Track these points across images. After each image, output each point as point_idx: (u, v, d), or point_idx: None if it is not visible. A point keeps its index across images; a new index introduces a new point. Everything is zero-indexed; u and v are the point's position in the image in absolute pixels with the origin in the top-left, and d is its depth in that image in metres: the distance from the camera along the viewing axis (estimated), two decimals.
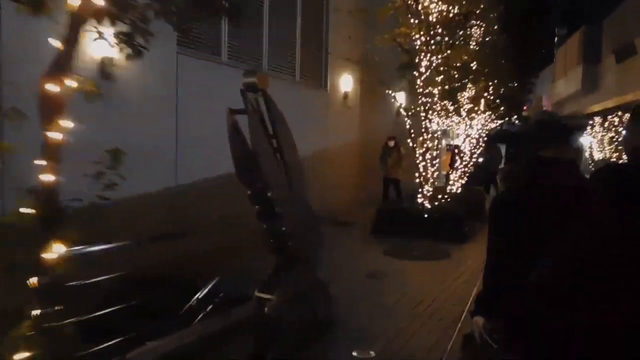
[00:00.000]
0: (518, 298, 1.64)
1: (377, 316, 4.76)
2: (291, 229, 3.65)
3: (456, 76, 9.59)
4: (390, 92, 9.10)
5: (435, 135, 10.93)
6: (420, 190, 9.10)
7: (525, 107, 23.66)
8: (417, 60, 9.07)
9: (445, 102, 10.90)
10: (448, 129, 17.67)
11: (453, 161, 11.28)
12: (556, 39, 20.97)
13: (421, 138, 9.25)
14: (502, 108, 11.48)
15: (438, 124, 11.02)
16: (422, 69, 9.08)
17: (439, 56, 8.91)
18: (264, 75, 3.38)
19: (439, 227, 8.41)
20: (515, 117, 23.62)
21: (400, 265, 6.69)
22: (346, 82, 10.30)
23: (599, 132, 16.13)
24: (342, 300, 4.89)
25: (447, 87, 9.98)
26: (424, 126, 9.22)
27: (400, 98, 10.76)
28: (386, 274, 6.18)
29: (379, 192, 10.96)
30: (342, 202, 10.21)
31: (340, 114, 10.28)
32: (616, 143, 15.02)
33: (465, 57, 9.20)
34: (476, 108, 10.33)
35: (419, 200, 9.10)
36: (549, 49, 21.52)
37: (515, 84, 11.34)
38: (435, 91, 10.21)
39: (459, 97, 10.77)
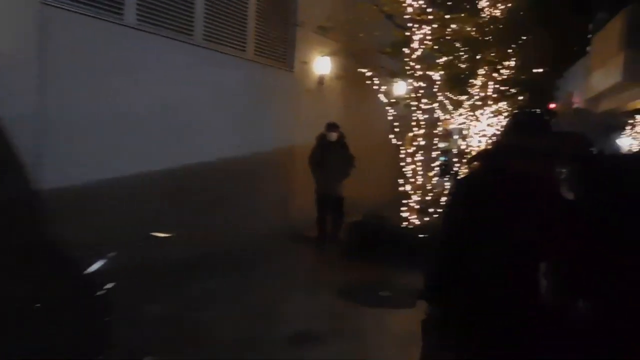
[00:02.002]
0: (464, 288, 1.71)
1: None
2: None
3: (462, 56, 7.38)
4: (368, 73, 6.97)
5: (440, 131, 8.78)
6: (406, 201, 6.96)
7: (553, 105, 21.09)
8: (408, 33, 6.96)
9: (451, 92, 8.74)
10: (462, 127, 15.38)
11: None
12: (591, 25, 18.30)
13: (411, 134, 7.12)
14: (520, 97, 9.15)
15: (439, 119, 8.85)
16: (415, 44, 6.96)
17: (436, 25, 6.74)
18: None
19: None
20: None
21: (355, 317, 4.56)
22: (323, 63, 8.20)
23: None
24: None
25: (450, 71, 7.83)
26: (415, 118, 7.10)
27: (399, 86, 8.63)
28: (322, 336, 4.08)
29: (364, 196, 8.83)
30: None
31: (313, 102, 8.19)
32: None
33: (472, 30, 6.97)
34: (482, 94, 8.07)
35: (404, 215, 6.98)
36: (583, 39, 18.84)
37: (540, 70, 8.93)
38: (437, 76, 8.08)
39: (469, 87, 8.57)
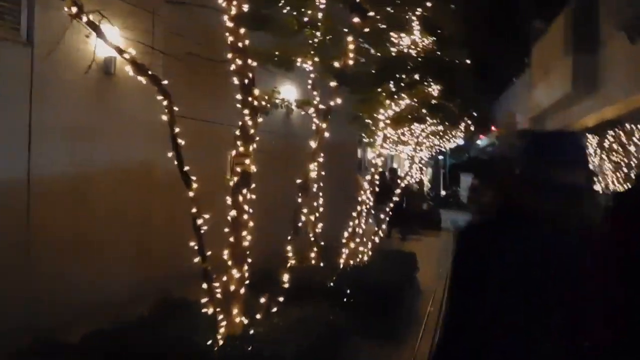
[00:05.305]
0: None
1: None
2: None
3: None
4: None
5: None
6: (211, 284, 3.57)
7: (492, 127, 18.91)
8: None
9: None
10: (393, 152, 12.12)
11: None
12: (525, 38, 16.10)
13: (234, 153, 3.88)
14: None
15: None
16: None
17: None
18: None
19: None
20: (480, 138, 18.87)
21: None
22: (113, 37, 4.82)
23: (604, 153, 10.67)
24: None
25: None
26: (241, 126, 3.88)
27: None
28: None
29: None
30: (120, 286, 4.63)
31: (91, 101, 4.83)
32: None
33: None
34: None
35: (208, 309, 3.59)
36: (522, 53, 16.66)
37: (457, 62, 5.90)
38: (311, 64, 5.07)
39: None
